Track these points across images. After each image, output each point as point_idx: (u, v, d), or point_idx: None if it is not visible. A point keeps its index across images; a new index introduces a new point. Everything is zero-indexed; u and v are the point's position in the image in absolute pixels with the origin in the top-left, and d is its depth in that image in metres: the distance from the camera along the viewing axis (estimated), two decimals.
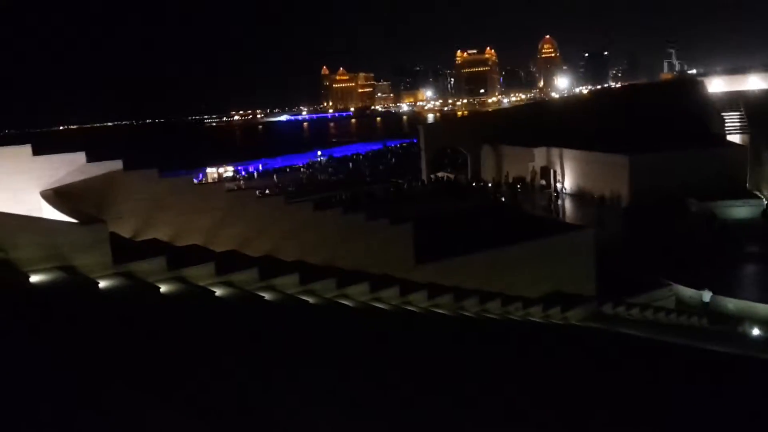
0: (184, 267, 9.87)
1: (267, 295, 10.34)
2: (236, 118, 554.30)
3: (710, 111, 71.10)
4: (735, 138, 66.89)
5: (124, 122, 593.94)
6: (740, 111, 69.82)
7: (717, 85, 77.17)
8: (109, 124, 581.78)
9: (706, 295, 31.70)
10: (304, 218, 16.88)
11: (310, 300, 10.87)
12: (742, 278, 37.47)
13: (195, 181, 25.46)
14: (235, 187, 52.68)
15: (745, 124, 67.96)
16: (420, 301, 13.61)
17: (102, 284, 8.32)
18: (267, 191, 65.77)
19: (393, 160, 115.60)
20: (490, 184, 71.39)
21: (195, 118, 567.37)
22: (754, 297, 32.41)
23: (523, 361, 8.85)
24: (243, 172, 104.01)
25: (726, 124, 69.66)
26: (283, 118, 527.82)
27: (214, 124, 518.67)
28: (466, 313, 13.82)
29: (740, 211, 50.70)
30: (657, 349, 13.31)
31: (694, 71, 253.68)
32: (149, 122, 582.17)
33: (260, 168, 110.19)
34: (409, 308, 12.74)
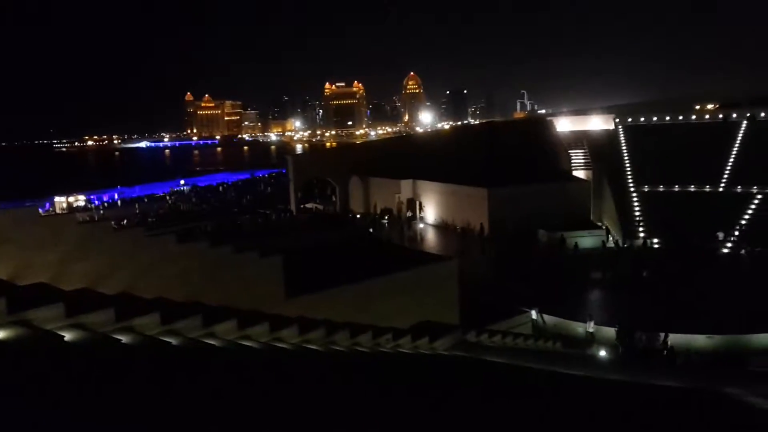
0: (28, 309, 8.89)
1: (124, 338, 9.57)
2: (90, 143, 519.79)
3: (559, 147, 77.48)
4: (580, 173, 73.31)
5: None
6: (584, 148, 76.79)
7: (564, 124, 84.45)
8: None
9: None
10: (165, 252, 15.99)
11: (173, 341, 10.20)
12: (590, 303, 40.72)
13: (41, 211, 23.40)
14: (88, 218, 49.04)
15: (589, 160, 74.79)
16: (291, 337, 13.28)
17: None
18: (125, 222, 61.89)
19: (261, 189, 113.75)
20: (358, 216, 72.35)
21: (43, 143, 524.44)
22: (600, 321, 35.37)
23: (389, 397, 8.88)
24: (97, 202, 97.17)
25: (572, 160, 76.20)
26: (143, 144, 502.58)
27: (64, 149, 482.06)
28: (338, 348, 13.69)
29: (585, 240, 55.35)
30: (514, 373, 13.96)
31: (543, 111, 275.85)
32: None
33: (116, 197, 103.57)
34: (280, 345, 12.37)
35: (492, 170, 65.20)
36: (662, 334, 31.69)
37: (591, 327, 34.38)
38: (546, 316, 35.66)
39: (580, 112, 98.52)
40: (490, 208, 60.30)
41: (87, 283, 13.44)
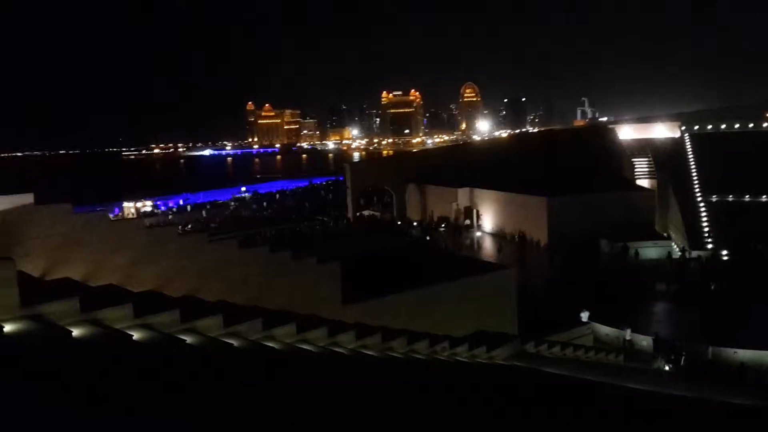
0: (99, 309, 9.26)
1: (189, 338, 9.85)
2: (156, 151, 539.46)
3: (621, 156, 75.45)
4: (644, 182, 71.10)
5: (35, 152, 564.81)
6: (648, 157, 74.49)
7: (626, 132, 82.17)
8: (19, 153, 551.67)
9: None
10: (228, 256, 16.39)
11: (235, 343, 10.43)
12: (654, 316, 39.33)
13: (111, 216, 24.39)
14: (155, 223, 50.85)
15: (653, 169, 72.47)
16: (348, 342, 13.37)
17: (7, 328, 7.66)
18: (189, 227, 63.85)
19: (320, 197, 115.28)
20: (415, 223, 72.33)
21: (112, 150, 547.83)
22: (666, 334, 34.06)
23: (457, 406, 8.80)
24: (163, 207, 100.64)
25: (635, 169, 74.03)
26: (207, 152, 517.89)
27: (132, 156, 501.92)
28: (394, 354, 13.69)
29: (650, 251, 53.56)
30: (577, 388, 13.60)
31: (605, 119, 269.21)
32: (63, 153, 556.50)
33: (181, 203, 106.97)
34: (338, 350, 12.48)
35: (551, 179, 64.05)
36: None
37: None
38: (612, 330, 34.52)
39: (644, 119, 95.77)
40: (549, 217, 59.18)
41: (153, 286, 13.91)
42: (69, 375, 6.25)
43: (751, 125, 77.88)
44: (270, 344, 11.34)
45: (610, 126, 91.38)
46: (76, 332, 8.18)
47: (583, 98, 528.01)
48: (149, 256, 14.98)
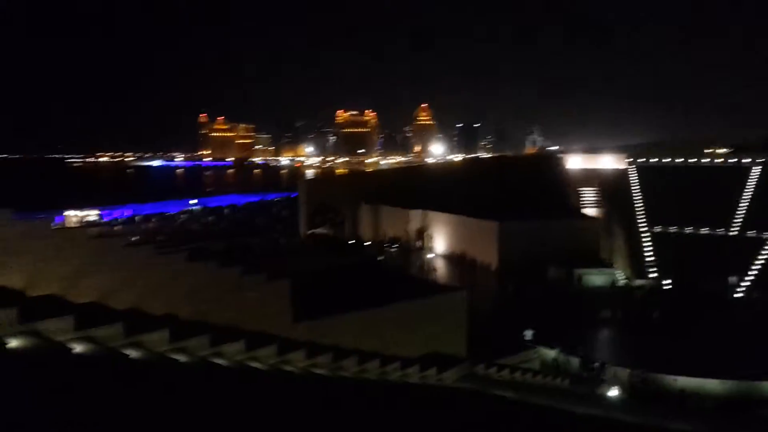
0: (39, 320, 8.81)
1: (133, 353, 9.45)
2: (103, 159, 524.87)
3: (569, 185, 77.45)
4: (590, 211, 73.08)
5: None
6: (595, 187, 76.70)
7: (575, 161, 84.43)
8: None
9: (554, 352, 34.30)
10: (176, 270, 15.90)
11: (182, 358, 10.07)
12: (598, 341, 40.21)
13: (53, 224, 23.45)
14: (99, 234, 49.19)
15: (599, 198, 74.65)
16: (298, 360, 13.11)
17: None
18: (136, 238, 62.04)
19: (272, 213, 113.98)
20: (367, 243, 72.26)
21: (54, 157, 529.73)
22: (611, 360, 34.83)
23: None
24: (108, 217, 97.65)
25: (582, 198, 76.07)
26: (156, 162, 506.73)
27: (78, 164, 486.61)
28: (345, 374, 13.48)
29: (595, 278, 54.90)
30: (523, 410, 13.68)
31: (555, 147, 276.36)
32: (5, 157, 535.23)
33: (127, 214, 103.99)
34: (287, 368, 12.20)
35: (503, 204, 65.13)
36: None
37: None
38: (553, 352, 35.23)
39: (592, 150, 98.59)
40: (500, 241, 60.09)
41: (97, 297, 13.35)
42: (2, 387, 5.87)
43: (694, 159, 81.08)
44: (218, 361, 11.00)
45: (559, 155, 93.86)
46: (13, 343, 7.74)
47: (532, 127, 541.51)
48: (93, 267, 14.38)
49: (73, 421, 5.39)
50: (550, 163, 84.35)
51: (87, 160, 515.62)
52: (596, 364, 32.80)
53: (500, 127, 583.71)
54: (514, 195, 68.45)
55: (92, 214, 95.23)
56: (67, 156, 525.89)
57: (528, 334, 34.35)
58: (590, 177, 78.96)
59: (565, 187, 76.86)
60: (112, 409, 6.14)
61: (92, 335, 9.39)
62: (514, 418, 12.01)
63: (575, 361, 33.89)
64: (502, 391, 16.07)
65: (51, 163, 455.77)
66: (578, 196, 76.03)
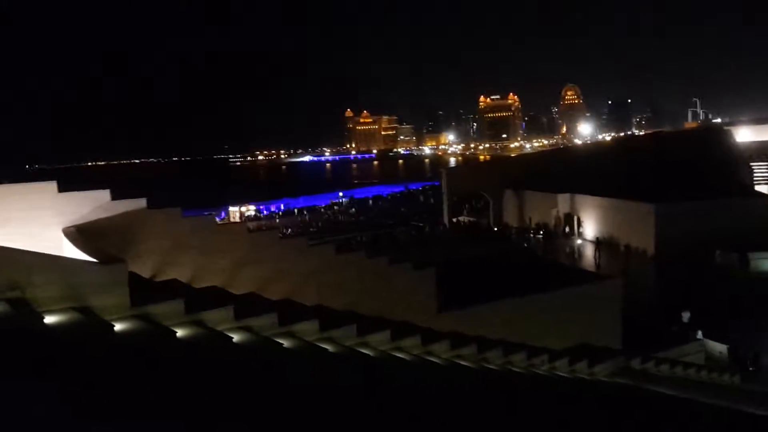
0: (203, 310, 9.62)
1: (285, 342, 10.02)
2: (260, 157, 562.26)
3: (737, 160, 70.29)
4: (764, 188, 65.85)
5: (150, 159, 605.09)
6: None
7: (744, 134, 76.48)
8: (137, 161, 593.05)
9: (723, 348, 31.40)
10: (325, 261, 16.61)
11: (330, 348, 10.51)
12: None
13: (217, 220, 25.43)
14: (257, 227, 52.79)
15: None
16: (442, 351, 13.15)
17: (118, 327, 8.09)
18: (289, 231, 65.88)
19: (416, 202, 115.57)
20: (513, 230, 70.84)
21: (220, 157, 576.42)
22: None
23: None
24: (265, 211, 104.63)
25: (754, 174, 68.72)
26: (307, 158, 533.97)
27: (238, 163, 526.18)
28: (490, 366, 13.30)
29: None
30: (695, 413, 12.64)
31: (718, 120, 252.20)
32: (176, 160, 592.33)
33: (282, 207, 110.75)
34: (431, 359, 12.29)
35: (659, 184, 60.60)
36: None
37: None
38: (719, 345, 32.31)
39: (764, 120, 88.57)
40: (657, 225, 55.99)
41: (254, 288, 14.33)
42: (171, 375, 6.47)
43: None
44: (364, 350, 11.35)
45: (726, 128, 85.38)
46: (180, 332, 8.51)
47: (694, 99, 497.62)
48: (251, 259, 15.45)
49: (230, 408, 5.80)
50: (714, 138, 77.06)
51: (247, 159, 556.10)
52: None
53: (656, 102, 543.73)
54: (674, 174, 63.39)
55: (251, 209, 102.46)
56: (231, 156, 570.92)
57: (692, 327, 31.75)
58: (763, 150, 71.11)
59: (733, 162, 69.86)
60: (267, 395, 6.54)
61: (249, 325, 10.09)
62: (677, 418, 11.15)
63: (722, 349, 31.02)
64: (662, 387, 15.00)
65: (216, 164, 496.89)
66: (750, 171, 68.80)
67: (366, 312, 14.82)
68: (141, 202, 14.06)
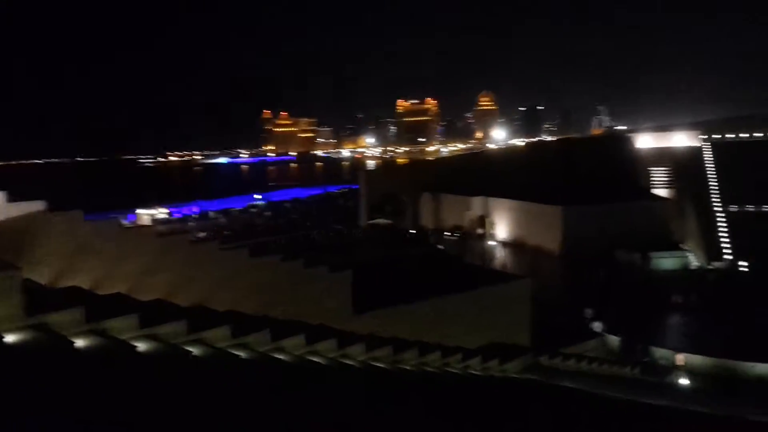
0: (105, 318, 9.13)
1: (195, 350, 9.68)
2: (173, 158, 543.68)
3: (638, 165, 74.65)
4: (661, 192, 70.26)
5: (53, 160, 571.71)
6: (666, 166, 73.62)
7: (644, 141, 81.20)
8: (39, 161, 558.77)
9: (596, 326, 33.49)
10: (239, 265, 16.25)
11: (242, 354, 10.25)
12: (669, 328, 38.69)
13: (124, 223, 24.38)
14: (168, 231, 50.97)
15: (671, 178, 71.60)
16: (358, 354, 13.14)
17: (9, 339, 7.54)
18: (203, 234, 64.01)
19: (334, 205, 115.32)
20: (429, 232, 72.00)
21: (129, 158, 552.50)
22: (682, 347, 33.46)
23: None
24: (178, 215, 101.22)
25: (653, 178, 73.19)
26: (222, 160, 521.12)
27: (149, 164, 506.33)
28: (405, 367, 13.42)
29: (666, 262, 52.81)
30: (597, 405, 13.26)
31: (622, 127, 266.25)
32: (81, 161, 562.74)
33: (195, 211, 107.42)
34: (347, 362, 12.24)
35: (567, 188, 63.50)
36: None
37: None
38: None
39: (663, 128, 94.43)
40: (564, 226, 58.63)
41: (163, 294, 13.77)
42: (67, 388, 6.09)
43: None
44: (279, 356, 11.15)
45: (628, 135, 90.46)
46: (78, 343, 8.04)
47: (599, 107, 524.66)
48: (160, 265, 14.88)
49: (134, 419, 5.53)
50: (617, 144, 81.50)
51: (158, 159, 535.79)
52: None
53: (565, 109, 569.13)
54: (581, 178, 66.63)
55: (162, 212, 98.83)
56: (141, 157, 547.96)
57: (593, 322, 33.43)
58: (661, 156, 75.81)
59: (635, 167, 74.15)
60: (172, 405, 6.28)
61: (156, 333, 9.67)
62: (582, 412, 11.65)
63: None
64: (568, 381, 15.65)
65: (125, 165, 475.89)
66: (648, 176, 73.24)
67: (281, 316, 14.60)
68: (40, 205, 13.24)
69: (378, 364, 12.77)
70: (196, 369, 8.85)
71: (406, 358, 14.11)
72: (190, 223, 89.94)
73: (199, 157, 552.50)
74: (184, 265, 15.30)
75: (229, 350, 10.37)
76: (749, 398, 23.25)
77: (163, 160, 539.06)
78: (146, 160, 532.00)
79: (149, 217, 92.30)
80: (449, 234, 70.29)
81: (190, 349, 9.58)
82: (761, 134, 76.22)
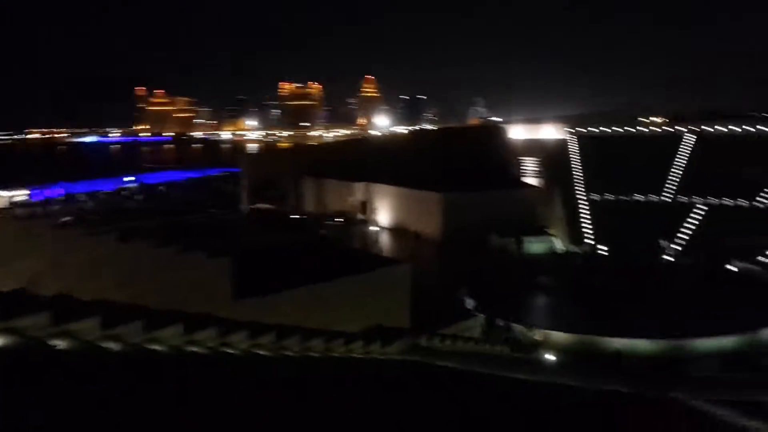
0: None
1: (60, 343, 9.02)
2: (33, 136, 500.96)
3: (510, 155, 78.70)
4: (531, 180, 74.59)
5: None
6: (535, 156, 78.26)
7: (516, 132, 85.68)
8: None
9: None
10: (108, 251, 15.34)
11: (113, 347, 9.68)
12: (534, 307, 41.38)
13: None
14: (27, 215, 47.10)
15: (540, 168, 76.22)
16: (240, 342, 12.85)
17: None
18: (67, 218, 59.66)
19: (213, 189, 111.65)
20: (311, 217, 71.77)
21: None
22: (545, 325, 35.93)
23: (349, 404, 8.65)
24: (38, 197, 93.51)
25: (523, 167, 77.49)
26: (91, 139, 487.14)
27: (6, 141, 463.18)
28: (289, 353, 13.33)
29: (534, 246, 56.32)
30: (473, 383, 13.90)
31: (496, 118, 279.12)
32: None
33: (56, 193, 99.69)
34: (229, 350, 11.95)
35: (446, 175, 65.71)
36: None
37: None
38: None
39: (534, 120, 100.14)
40: (443, 212, 60.70)
41: (23, 283, 12.72)
42: None
43: (632, 129, 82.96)
44: (153, 347, 10.66)
45: (502, 126, 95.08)
46: None
47: (476, 98, 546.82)
48: (19, 251, 13.72)
49: None
50: (492, 134, 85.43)
51: (15, 137, 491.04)
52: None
53: (446, 100, 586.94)
54: (459, 166, 69.15)
55: (21, 194, 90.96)
56: None
57: (469, 303, 35.08)
58: (532, 147, 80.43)
59: (507, 157, 78.08)
60: (31, 404, 5.83)
61: (14, 326, 8.90)
62: (456, 389, 12.19)
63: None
64: (446, 361, 16.29)
65: None
66: (520, 166, 77.42)
67: (155, 305, 13.94)
68: None
69: (261, 352, 12.59)
70: (61, 364, 8.25)
71: (289, 344, 14.00)
72: (53, 207, 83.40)
73: (64, 135, 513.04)
74: (47, 251, 14.21)
75: (98, 343, 9.77)
76: (610, 371, 25.41)
77: (21, 138, 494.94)
78: (3, 137, 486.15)
79: (5, 200, 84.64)
80: (332, 219, 70.44)
81: (55, 342, 8.92)
82: (620, 129, 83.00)
